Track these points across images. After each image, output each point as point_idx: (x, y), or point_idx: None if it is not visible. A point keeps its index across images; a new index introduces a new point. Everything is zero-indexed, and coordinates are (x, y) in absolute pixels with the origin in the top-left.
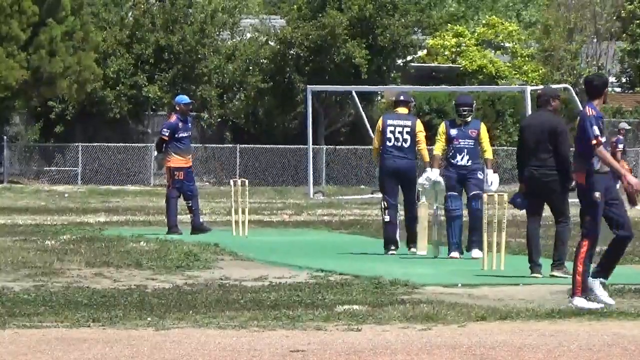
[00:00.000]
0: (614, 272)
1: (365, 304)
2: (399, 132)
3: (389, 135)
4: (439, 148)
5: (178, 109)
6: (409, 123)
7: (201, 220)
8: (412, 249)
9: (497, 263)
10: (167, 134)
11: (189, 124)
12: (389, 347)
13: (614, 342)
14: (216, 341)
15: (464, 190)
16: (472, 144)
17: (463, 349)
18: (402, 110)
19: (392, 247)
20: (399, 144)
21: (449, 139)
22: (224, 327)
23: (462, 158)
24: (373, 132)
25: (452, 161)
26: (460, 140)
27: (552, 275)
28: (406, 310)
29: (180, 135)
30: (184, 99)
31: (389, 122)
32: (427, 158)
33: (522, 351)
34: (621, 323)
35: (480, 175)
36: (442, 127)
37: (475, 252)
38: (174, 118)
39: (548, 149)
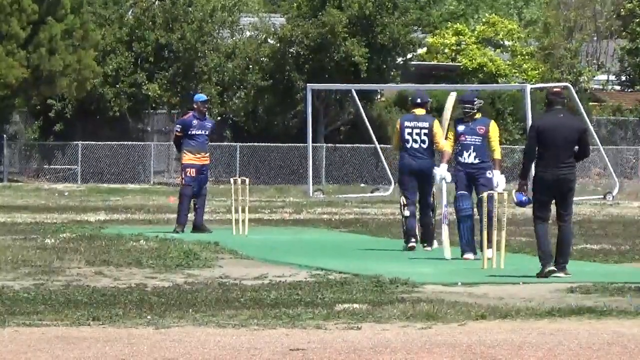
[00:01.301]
0: (613, 270)
1: (365, 302)
2: (417, 134)
3: (407, 137)
4: (449, 145)
5: (195, 106)
6: (426, 125)
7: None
8: (427, 248)
9: (497, 262)
10: (178, 130)
11: (207, 123)
12: (388, 346)
13: (614, 340)
14: (216, 340)
15: (474, 190)
16: (480, 140)
17: (463, 347)
18: (420, 111)
19: (413, 240)
20: (417, 145)
21: (456, 136)
22: (224, 325)
23: (469, 155)
24: (373, 131)
25: (460, 159)
26: (466, 137)
27: (557, 277)
28: (406, 308)
29: (194, 132)
30: (200, 96)
31: (406, 123)
32: (447, 152)
33: (522, 350)
34: (621, 322)
35: (489, 175)
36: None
37: (488, 252)
38: (189, 115)
39: (573, 150)
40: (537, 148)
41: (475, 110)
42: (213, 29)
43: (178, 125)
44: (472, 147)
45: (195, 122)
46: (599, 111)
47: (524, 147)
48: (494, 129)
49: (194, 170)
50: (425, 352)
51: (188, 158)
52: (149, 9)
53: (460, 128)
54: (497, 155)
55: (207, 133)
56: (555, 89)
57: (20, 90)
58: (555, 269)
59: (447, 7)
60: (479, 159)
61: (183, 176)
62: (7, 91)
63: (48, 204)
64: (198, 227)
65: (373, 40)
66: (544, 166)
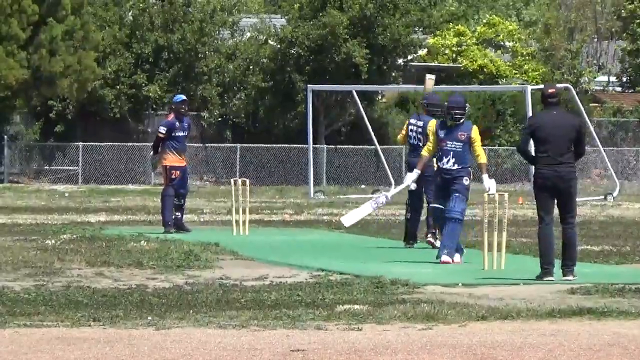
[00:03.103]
0: (614, 271)
1: (365, 303)
2: (417, 132)
3: (410, 134)
4: (427, 149)
5: (173, 107)
6: (420, 124)
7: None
8: (430, 239)
9: (498, 263)
10: (164, 132)
11: (185, 123)
12: (389, 347)
13: (615, 341)
14: (216, 340)
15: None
16: (460, 147)
17: (463, 348)
18: (423, 111)
19: (412, 242)
20: (416, 142)
21: (438, 141)
22: (225, 326)
23: (448, 161)
24: (373, 132)
25: (439, 164)
26: (447, 142)
27: (566, 280)
28: (407, 309)
29: (177, 134)
30: (178, 97)
31: (411, 121)
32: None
33: (522, 351)
34: (621, 322)
35: (466, 181)
36: (432, 126)
37: (445, 257)
38: (171, 117)
39: (570, 147)
40: (533, 146)
41: (464, 115)
42: (213, 30)
43: (163, 128)
44: (451, 152)
45: (177, 123)
46: (599, 112)
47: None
48: (475, 134)
49: (178, 172)
50: (425, 353)
51: (173, 159)
52: (148, 10)
53: (442, 133)
54: (482, 159)
55: (187, 134)
56: (550, 89)
57: (21, 91)
58: (553, 279)
59: (448, 8)
60: (457, 165)
61: (169, 178)
62: (8, 92)
63: (48, 205)
64: (180, 227)
65: (374, 41)
66: (542, 164)
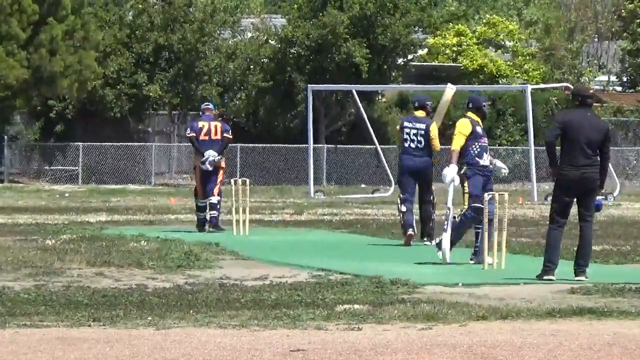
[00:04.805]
0: (614, 271)
1: (365, 303)
2: (414, 134)
3: (405, 136)
4: (458, 145)
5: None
6: (422, 126)
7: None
8: (427, 242)
9: (498, 263)
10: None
11: None
12: (389, 347)
13: (615, 341)
14: (217, 340)
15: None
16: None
17: (464, 348)
18: (420, 113)
19: (410, 230)
20: (414, 144)
21: (476, 136)
22: (225, 326)
23: (485, 159)
24: (374, 132)
25: (479, 161)
26: (484, 139)
27: (578, 280)
28: (407, 309)
29: None
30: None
31: (406, 124)
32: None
33: (522, 350)
34: (621, 322)
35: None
36: (469, 123)
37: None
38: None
39: (597, 149)
40: (560, 143)
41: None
42: (214, 30)
43: (230, 131)
44: (487, 148)
45: None
46: (600, 112)
47: (547, 137)
48: None
49: None
50: (425, 353)
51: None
52: (148, 10)
53: (479, 129)
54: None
55: None
56: (587, 90)
57: (21, 91)
58: (553, 279)
59: (448, 8)
60: (489, 162)
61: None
62: (8, 92)
63: (49, 205)
64: (205, 226)
65: (374, 41)
66: (567, 164)
